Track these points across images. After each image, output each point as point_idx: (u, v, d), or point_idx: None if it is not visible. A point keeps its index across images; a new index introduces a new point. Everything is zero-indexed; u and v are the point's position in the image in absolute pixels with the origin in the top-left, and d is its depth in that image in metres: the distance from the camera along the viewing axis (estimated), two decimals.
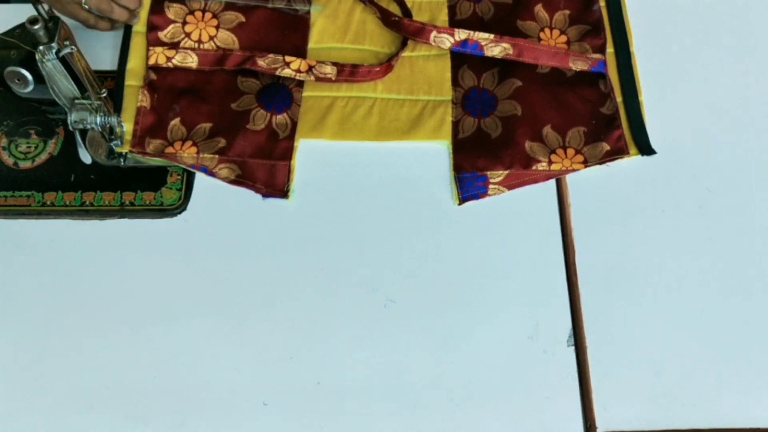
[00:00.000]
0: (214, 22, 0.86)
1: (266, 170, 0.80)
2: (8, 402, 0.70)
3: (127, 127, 0.81)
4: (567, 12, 0.88)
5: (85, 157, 0.79)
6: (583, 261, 0.76)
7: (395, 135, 0.81)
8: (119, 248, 0.77)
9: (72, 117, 0.74)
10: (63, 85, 0.73)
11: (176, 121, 0.82)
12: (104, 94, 0.76)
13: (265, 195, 0.79)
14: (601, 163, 0.79)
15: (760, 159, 0.81)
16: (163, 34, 0.85)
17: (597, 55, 0.85)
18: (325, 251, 0.77)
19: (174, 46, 0.85)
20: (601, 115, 0.82)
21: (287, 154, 0.80)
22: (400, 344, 0.72)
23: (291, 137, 0.81)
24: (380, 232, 0.77)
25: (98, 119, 0.75)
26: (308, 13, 0.88)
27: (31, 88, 0.74)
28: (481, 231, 0.77)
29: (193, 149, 0.80)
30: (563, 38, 0.86)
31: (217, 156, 0.80)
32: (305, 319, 0.73)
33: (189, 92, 0.84)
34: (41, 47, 0.69)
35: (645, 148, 0.80)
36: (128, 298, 0.75)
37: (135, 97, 0.82)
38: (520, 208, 0.79)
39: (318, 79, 0.83)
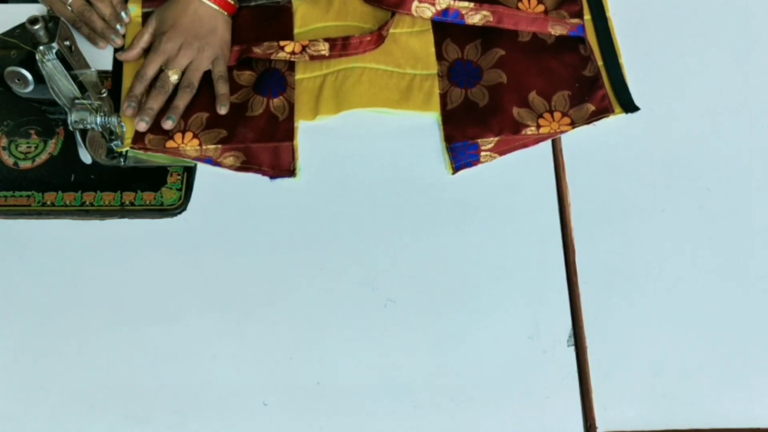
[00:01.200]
0: None
1: (270, 152, 0.81)
2: (8, 402, 0.70)
3: (128, 126, 0.81)
4: None
5: (85, 157, 0.79)
6: (583, 261, 0.76)
7: (387, 102, 0.82)
8: (119, 248, 0.77)
9: (72, 117, 0.74)
10: (63, 85, 0.73)
11: None
12: (104, 94, 0.76)
13: (273, 177, 0.80)
14: (588, 123, 0.81)
15: (761, 159, 0.81)
16: None
17: (575, 20, 0.87)
18: (325, 251, 0.76)
19: None
20: (584, 78, 0.84)
21: (289, 135, 0.81)
22: (400, 344, 0.72)
23: (290, 118, 0.82)
24: (381, 226, 0.77)
25: (98, 119, 0.75)
26: (290, 2, 0.89)
27: (31, 88, 0.75)
28: (481, 231, 0.77)
29: (195, 141, 0.81)
30: (541, 7, 0.88)
31: (220, 145, 0.81)
32: (305, 319, 0.73)
33: None
34: (41, 47, 0.69)
35: (629, 106, 0.82)
36: (128, 298, 0.75)
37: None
38: (520, 208, 0.79)
39: (312, 57, 0.84)
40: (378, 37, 0.84)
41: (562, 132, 0.81)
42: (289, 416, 0.69)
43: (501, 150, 0.80)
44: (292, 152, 0.81)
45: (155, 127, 0.82)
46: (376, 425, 0.68)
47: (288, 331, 0.73)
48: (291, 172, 0.80)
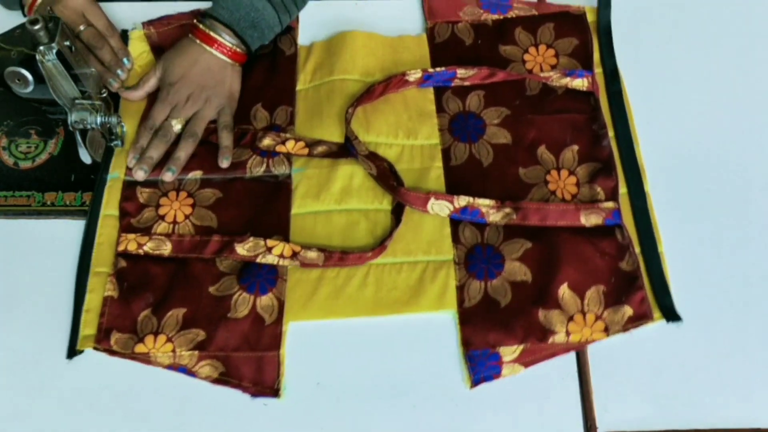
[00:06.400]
0: (190, 200, 0.79)
1: (253, 364, 0.70)
2: (8, 402, 0.70)
3: (92, 319, 0.72)
4: (575, 148, 0.80)
5: (85, 157, 0.79)
6: None
7: (394, 307, 0.73)
8: None
9: (72, 117, 0.74)
10: (63, 85, 0.73)
11: (147, 311, 0.73)
12: (104, 94, 0.76)
13: (254, 394, 0.69)
14: (624, 331, 0.71)
15: (760, 159, 0.81)
16: (136, 221, 0.77)
17: (610, 204, 0.76)
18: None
19: (147, 231, 0.77)
20: (621, 272, 0.73)
21: (275, 342, 0.71)
22: (400, 344, 0.72)
23: (278, 321, 0.72)
24: None
25: (98, 119, 0.75)
26: (289, 177, 0.80)
27: (31, 88, 0.75)
28: None
29: (169, 346, 0.71)
30: (572, 179, 0.78)
31: (196, 352, 0.71)
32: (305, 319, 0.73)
33: (162, 278, 0.74)
34: (41, 47, 0.69)
35: (670, 314, 0.72)
36: None
37: (102, 286, 0.74)
38: None
39: (304, 265, 0.74)
40: (380, 249, 0.74)
41: (594, 340, 0.70)
42: (289, 416, 0.69)
43: (526, 361, 0.70)
44: (278, 364, 0.70)
45: (123, 326, 0.72)
46: (376, 425, 0.68)
47: (288, 330, 0.72)
48: (275, 391, 0.69)
